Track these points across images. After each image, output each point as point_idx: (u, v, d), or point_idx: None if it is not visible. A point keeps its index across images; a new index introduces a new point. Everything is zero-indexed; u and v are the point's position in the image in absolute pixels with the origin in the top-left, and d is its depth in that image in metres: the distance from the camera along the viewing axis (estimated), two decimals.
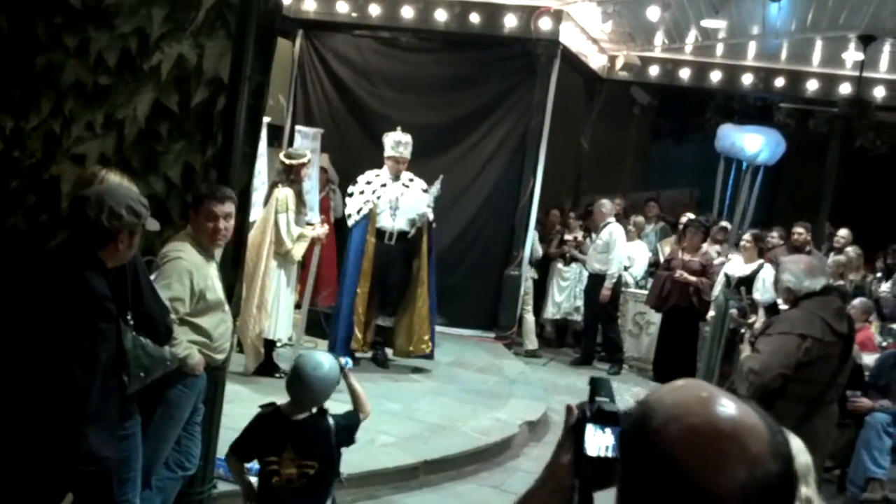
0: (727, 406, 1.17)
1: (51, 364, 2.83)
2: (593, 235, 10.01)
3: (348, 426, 3.77)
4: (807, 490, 2.72)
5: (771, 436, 1.16)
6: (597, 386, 1.40)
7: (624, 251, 9.82)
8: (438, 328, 9.62)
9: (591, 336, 10.12)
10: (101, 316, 2.93)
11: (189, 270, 4.03)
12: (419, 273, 8.01)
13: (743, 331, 5.49)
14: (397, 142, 7.92)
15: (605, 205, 9.92)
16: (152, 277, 3.82)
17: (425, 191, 7.95)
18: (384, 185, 7.90)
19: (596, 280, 9.76)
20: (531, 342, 10.11)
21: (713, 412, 1.16)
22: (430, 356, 8.14)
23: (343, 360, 3.90)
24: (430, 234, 8.02)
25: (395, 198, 7.88)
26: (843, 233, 10.04)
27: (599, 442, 1.34)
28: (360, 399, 3.89)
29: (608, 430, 1.34)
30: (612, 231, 9.70)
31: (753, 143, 12.15)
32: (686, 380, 1.25)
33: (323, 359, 3.71)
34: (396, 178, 7.95)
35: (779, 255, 7.93)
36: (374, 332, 8.19)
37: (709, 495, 1.12)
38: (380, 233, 7.87)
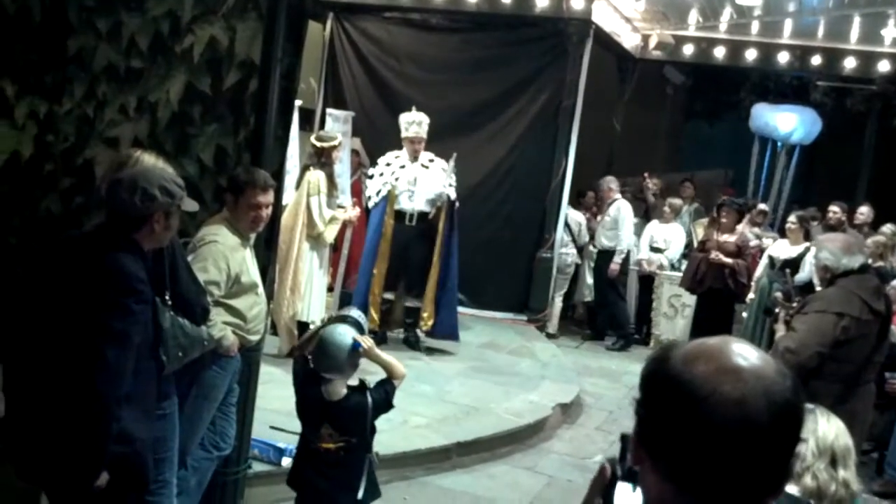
0: (737, 342, 1.24)
1: (84, 345, 2.85)
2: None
3: (385, 398, 3.76)
4: (845, 473, 2.68)
5: (776, 363, 1.21)
6: (628, 442, 1.36)
7: (632, 227, 9.94)
8: (469, 310, 9.65)
9: (602, 314, 10.30)
10: (133, 297, 2.94)
11: (224, 254, 4.06)
12: (437, 254, 8.00)
13: (777, 310, 5.43)
14: (410, 122, 7.91)
15: (612, 182, 10.07)
16: (188, 259, 3.85)
17: (445, 170, 7.94)
18: (403, 167, 7.90)
19: (605, 257, 9.88)
20: (552, 326, 10.10)
21: (725, 344, 1.23)
22: (433, 333, 8.09)
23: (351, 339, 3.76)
24: (452, 214, 7.99)
25: (413, 179, 7.87)
26: (863, 210, 9.80)
27: (629, 501, 1.32)
28: (390, 368, 3.87)
29: (639, 490, 1.31)
30: (620, 207, 9.84)
31: (787, 123, 12.00)
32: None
33: (344, 330, 3.71)
34: (415, 158, 7.93)
35: (814, 235, 7.85)
36: (404, 313, 8.21)
37: (719, 401, 1.15)
38: (400, 214, 7.87)
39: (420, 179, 7.86)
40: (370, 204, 7.96)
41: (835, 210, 9.25)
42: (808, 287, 6.77)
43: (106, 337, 2.86)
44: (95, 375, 2.83)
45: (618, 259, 9.75)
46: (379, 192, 7.90)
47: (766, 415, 1.15)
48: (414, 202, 7.85)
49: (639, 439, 1.25)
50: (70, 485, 2.98)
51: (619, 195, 9.99)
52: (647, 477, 1.24)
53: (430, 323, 8.00)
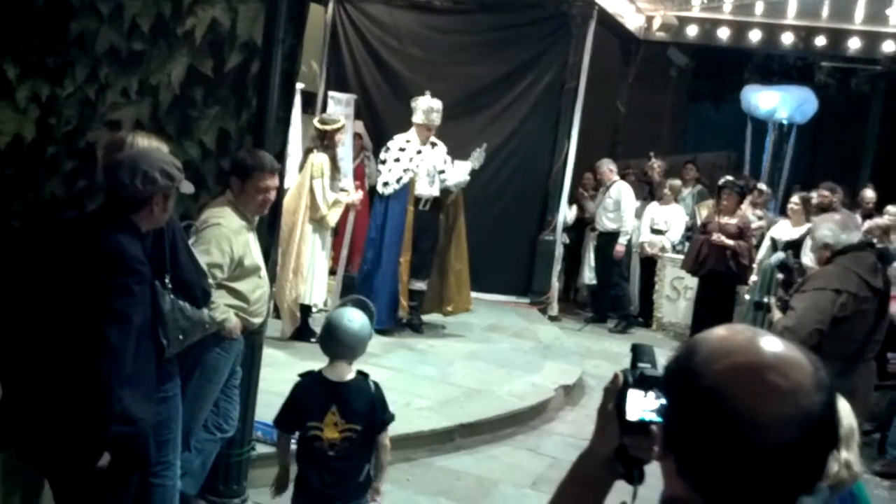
0: (770, 343, 1.20)
1: (85, 326, 2.86)
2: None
3: (383, 416, 3.69)
4: (847, 454, 2.68)
5: (814, 369, 1.18)
6: (639, 352, 1.41)
7: (633, 208, 10.04)
8: (471, 293, 9.65)
9: (604, 295, 10.37)
10: (133, 278, 2.95)
11: (228, 237, 4.07)
12: (458, 235, 8.04)
13: (766, 300, 5.46)
14: (431, 108, 7.87)
15: (610, 164, 10.20)
16: (190, 242, 3.85)
17: (467, 158, 7.95)
18: (419, 153, 7.87)
19: (607, 238, 9.98)
20: (552, 308, 10.12)
21: (757, 347, 1.19)
22: (418, 321, 8.25)
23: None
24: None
25: (434, 165, 7.86)
26: (868, 195, 9.79)
27: (640, 406, 1.35)
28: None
29: (650, 395, 1.34)
30: (621, 189, 9.95)
31: (768, 101, 11.99)
32: (731, 324, 1.27)
33: (354, 314, 3.70)
34: (430, 144, 7.92)
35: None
36: (409, 297, 8.22)
37: (752, 424, 1.13)
38: (415, 200, 7.88)
39: (433, 164, 7.87)
40: (388, 191, 7.85)
41: (824, 194, 9.23)
42: (782, 266, 6.79)
43: (106, 317, 2.87)
44: (96, 356, 2.84)
45: (622, 241, 9.83)
46: (399, 179, 7.81)
47: (802, 436, 1.13)
48: (433, 188, 7.85)
49: (666, 444, 1.25)
50: (71, 466, 2.99)
51: (617, 177, 10.07)
52: (672, 478, 1.23)
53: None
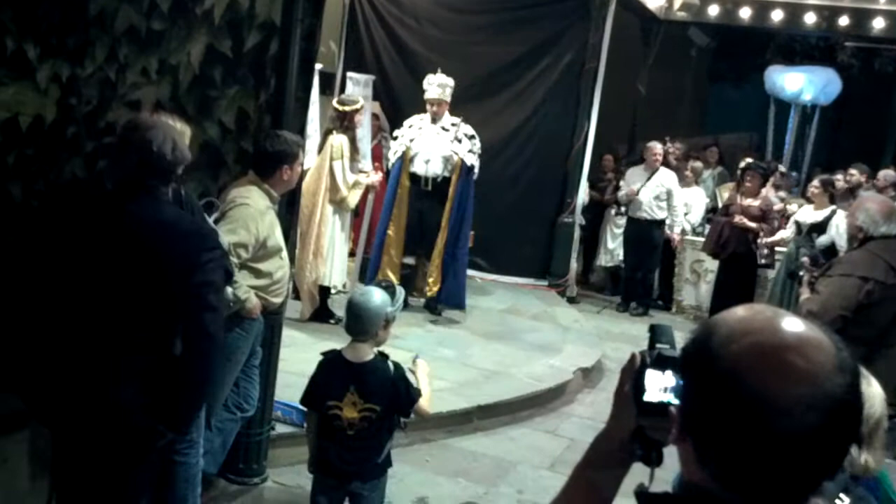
0: (791, 323, 1.16)
1: (185, 298, 2.91)
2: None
3: (409, 394, 3.67)
4: (867, 455, 2.60)
5: (836, 350, 1.14)
6: (657, 332, 1.38)
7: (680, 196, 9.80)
8: (490, 276, 9.64)
9: (632, 281, 10.13)
10: (219, 250, 3.02)
11: (255, 217, 4.08)
12: (442, 230, 7.89)
13: (802, 273, 5.39)
14: (429, 83, 7.87)
15: (660, 147, 9.80)
16: (212, 219, 3.86)
17: (472, 137, 7.87)
18: (420, 129, 7.86)
19: (649, 227, 9.64)
20: (570, 290, 10.07)
21: (777, 327, 1.16)
22: (434, 303, 8.02)
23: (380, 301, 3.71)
24: (468, 181, 7.88)
25: (425, 142, 7.82)
26: (883, 174, 9.63)
27: (658, 386, 1.32)
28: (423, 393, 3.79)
29: (668, 376, 1.31)
30: (670, 177, 9.62)
31: (794, 83, 11.86)
32: (750, 304, 1.24)
33: (375, 293, 3.69)
34: (434, 121, 7.86)
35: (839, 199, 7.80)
36: (424, 279, 8.21)
37: (773, 407, 1.10)
38: (415, 177, 7.85)
39: (432, 142, 7.80)
40: (390, 165, 7.98)
41: (852, 173, 9.13)
42: (829, 250, 6.72)
43: (207, 290, 2.92)
44: (207, 322, 2.89)
45: (678, 230, 9.64)
46: (396, 152, 7.91)
47: (824, 419, 1.10)
48: (428, 166, 7.81)
49: (683, 428, 1.22)
50: (138, 444, 2.96)
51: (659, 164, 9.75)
52: (689, 462, 1.21)
53: (436, 289, 7.94)
